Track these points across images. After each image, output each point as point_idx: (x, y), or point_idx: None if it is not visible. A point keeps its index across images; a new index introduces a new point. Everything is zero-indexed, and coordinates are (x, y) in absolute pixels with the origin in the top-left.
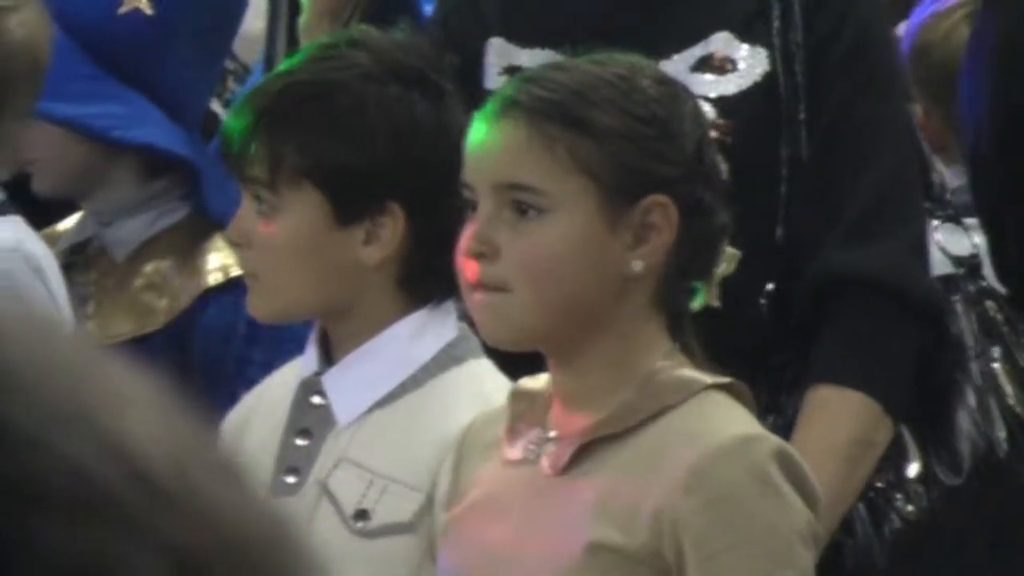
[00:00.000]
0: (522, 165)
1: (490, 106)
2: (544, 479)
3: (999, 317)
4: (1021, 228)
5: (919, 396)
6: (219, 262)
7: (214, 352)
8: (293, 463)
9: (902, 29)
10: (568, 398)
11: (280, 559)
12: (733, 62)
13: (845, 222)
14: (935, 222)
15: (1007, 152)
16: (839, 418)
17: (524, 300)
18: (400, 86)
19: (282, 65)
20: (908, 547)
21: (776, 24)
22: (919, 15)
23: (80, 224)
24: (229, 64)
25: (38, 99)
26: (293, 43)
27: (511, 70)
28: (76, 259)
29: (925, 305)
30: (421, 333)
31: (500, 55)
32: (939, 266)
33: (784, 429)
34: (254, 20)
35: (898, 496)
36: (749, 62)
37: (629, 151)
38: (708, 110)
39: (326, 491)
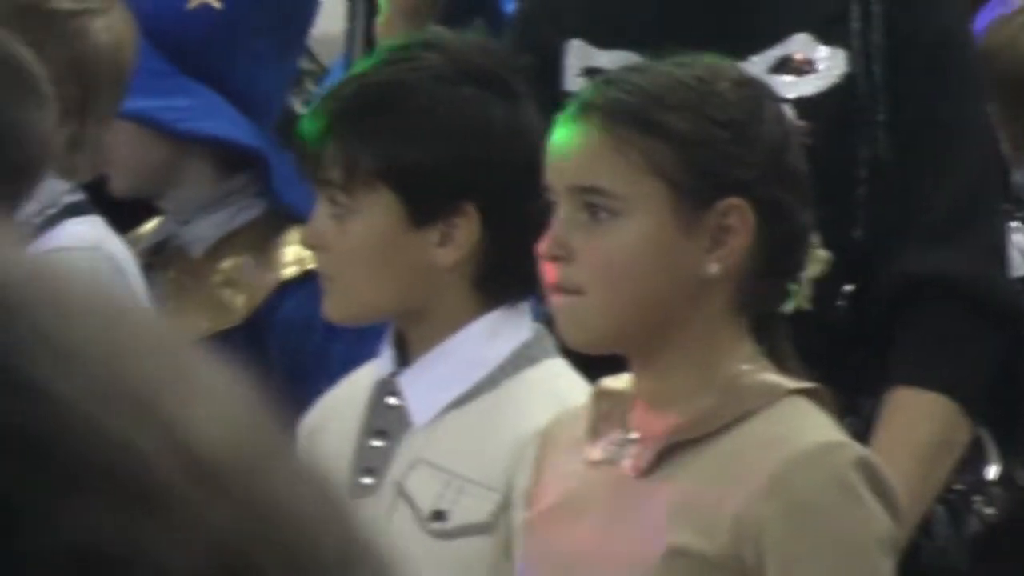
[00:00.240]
0: (596, 168)
1: (569, 109)
2: (625, 481)
3: None
4: None
5: (998, 397)
6: (295, 255)
7: (293, 346)
8: (369, 464)
9: None
10: (649, 400)
11: (351, 567)
12: (812, 63)
13: (925, 224)
14: (1014, 223)
15: None
16: (918, 419)
17: (598, 303)
18: (473, 87)
19: (355, 67)
20: (987, 549)
21: (855, 26)
22: (984, 19)
23: (160, 224)
24: (307, 65)
25: (122, 103)
26: (371, 44)
27: (590, 72)
28: (155, 259)
29: (1004, 306)
30: (496, 333)
31: (579, 57)
32: (1019, 267)
33: (861, 431)
34: (332, 22)
35: (977, 498)
36: (828, 63)
37: (703, 154)
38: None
39: (402, 492)
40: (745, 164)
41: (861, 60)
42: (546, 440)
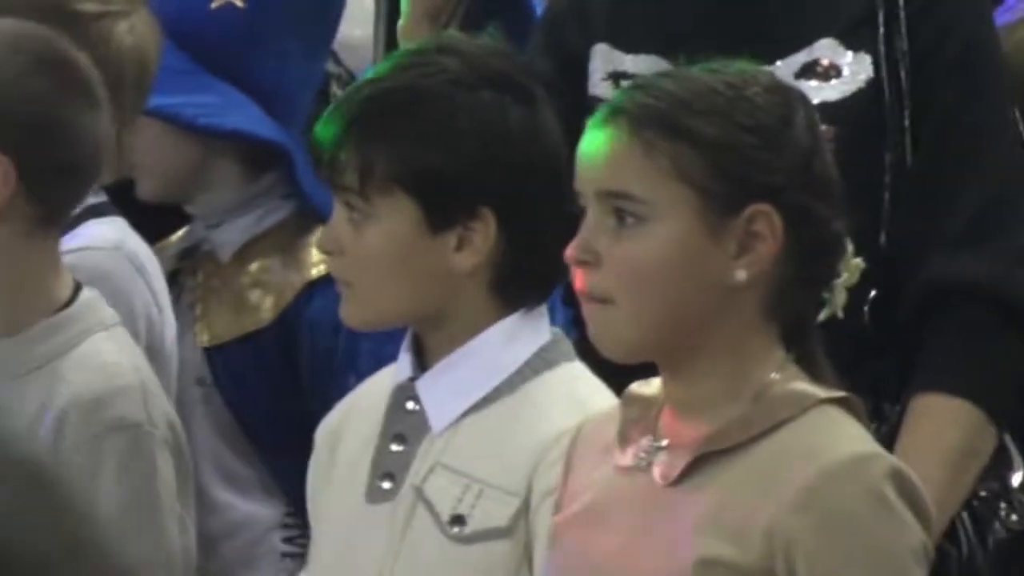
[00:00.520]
0: (623, 173)
1: (599, 114)
2: (655, 489)
3: None
4: None
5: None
6: (321, 255)
7: (322, 345)
8: (389, 469)
9: None
10: (679, 407)
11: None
12: (838, 68)
13: (951, 230)
14: None
15: None
16: (944, 426)
17: (628, 312)
18: (490, 91)
19: (370, 72)
20: (1012, 556)
21: (881, 31)
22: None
23: (189, 229)
24: (333, 68)
25: (144, 105)
26: (393, 47)
27: (616, 76)
28: (185, 264)
29: None
30: (514, 338)
31: (605, 61)
32: None
33: (889, 437)
34: (355, 27)
35: (1002, 505)
36: (853, 68)
37: (731, 160)
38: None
39: (422, 497)
40: (773, 170)
41: (886, 65)
42: (574, 444)
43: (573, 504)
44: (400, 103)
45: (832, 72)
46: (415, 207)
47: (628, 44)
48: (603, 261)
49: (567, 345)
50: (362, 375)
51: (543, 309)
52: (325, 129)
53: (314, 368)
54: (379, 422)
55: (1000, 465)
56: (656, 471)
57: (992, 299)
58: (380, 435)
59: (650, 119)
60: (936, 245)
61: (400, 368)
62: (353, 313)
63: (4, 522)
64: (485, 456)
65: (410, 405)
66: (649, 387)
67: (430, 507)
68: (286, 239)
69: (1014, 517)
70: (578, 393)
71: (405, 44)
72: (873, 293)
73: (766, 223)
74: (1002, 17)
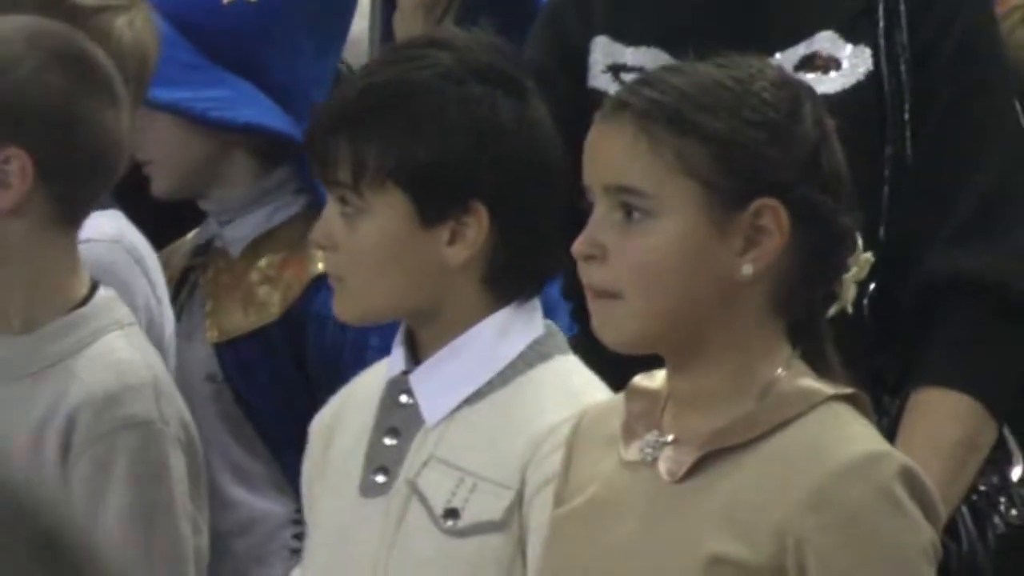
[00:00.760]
0: (629, 167)
1: (605, 108)
2: (662, 485)
3: None
4: None
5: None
6: None
7: (330, 340)
8: (382, 463)
9: None
10: (684, 401)
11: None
12: (837, 61)
13: (951, 224)
14: None
15: None
16: (944, 420)
17: (632, 305)
18: (481, 84)
19: (362, 66)
20: (1012, 551)
21: (881, 23)
22: None
23: (202, 226)
24: None
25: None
26: (389, 40)
27: (615, 68)
28: (198, 261)
29: None
30: (507, 331)
31: (605, 53)
32: None
33: (889, 431)
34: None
35: (1002, 500)
36: (853, 61)
37: (737, 155)
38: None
39: (416, 490)
40: (780, 165)
41: (886, 58)
42: (574, 435)
43: (576, 497)
44: (391, 97)
45: (831, 65)
46: (407, 201)
47: (628, 36)
48: (610, 256)
49: (560, 338)
50: None
51: (536, 302)
52: (316, 124)
53: (322, 363)
54: (372, 416)
55: (1000, 459)
56: (662, 467)
57: (992, 293)
58: (373, 429)
59: (655, 113)
60: (936, 239)
61: (393, 362)
62: (346, 307)
63: None
64: (479, 449)
65: (403, 399)
66: (653, 380)
67: (424, 501)
68: (296, 235)
69: (1014, 512)
70: (572, 386)
71: (401, 37)
72: (872, 287)
73: (772, 218)
74: None
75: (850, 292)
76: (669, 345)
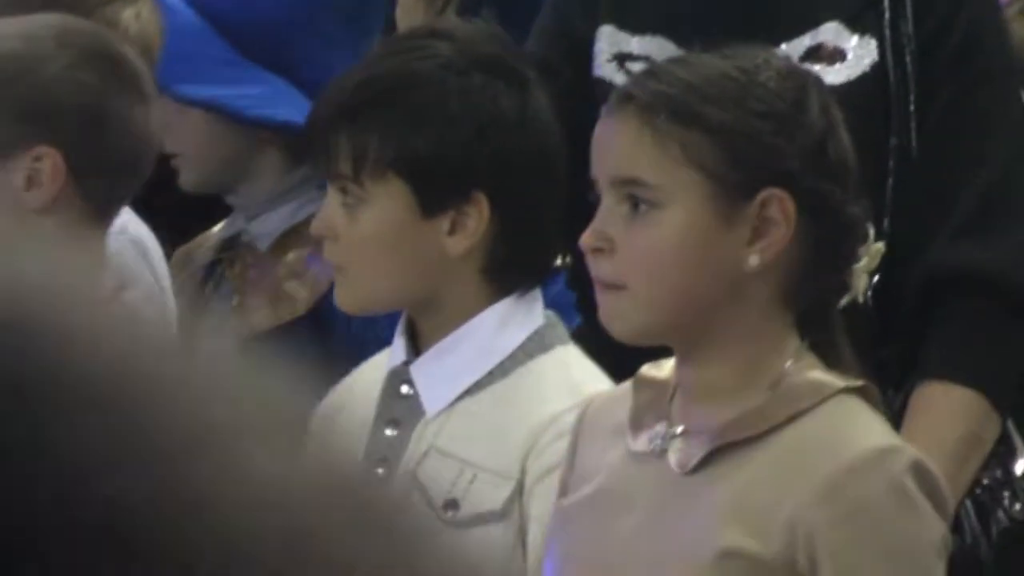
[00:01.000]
0: (635, 159)
1: (611, 100)
2: (672, 476)
3: None
4: None
5: None
6: None
7: (356, 333)
8: (383, 454)
9: None
10: (693, 392)
11: None
12: (842, 52)
13: (956, 216)
14: None
15: None
16: (947, 414)
17: (640, 297)
18: (482, 75)
19: (364, 57)
20: (1015, 545)
21: (887, 14)
22: None
23: (229, 220)
24: None
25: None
26: (391, 31)
27: (620, 57)
28: (225, 255)
29: None
30: (507, 322)
31: (610, 42)
32: None
33: (893, 424)
34: None
35: (1005, 494)
36: (858, 52)
37: (743, 146)
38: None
39: (416, 481)
40: (786, 156)
41: (892, 49)
42: (583, 424)
43: (582, 487)
44: (391, 88)
45: (837, 56)
46: (408, 191)
47: (634, 26)
48: (617, 248)
49: (561, 329)
50: None
51: (537, 293)
52: (317, 115)
53: (349, 356)
54: (373, 407)
55: (1003, 453)
56: (672, 458)
57: (997, 286)
58: (374, 420)
59: (660, 106)
60: (940, 232)
61: (394, 352)
62: (347, 297)
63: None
64: (479, 440)
65: (404, 389)
66: (661, 370)
67: (424, 492)
68: None
69: (1017, 506)
70: (572, 376)
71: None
72: (876, 279)
73: (779, 208)
74: None
75: (862, 282)
76: (677, 336)
